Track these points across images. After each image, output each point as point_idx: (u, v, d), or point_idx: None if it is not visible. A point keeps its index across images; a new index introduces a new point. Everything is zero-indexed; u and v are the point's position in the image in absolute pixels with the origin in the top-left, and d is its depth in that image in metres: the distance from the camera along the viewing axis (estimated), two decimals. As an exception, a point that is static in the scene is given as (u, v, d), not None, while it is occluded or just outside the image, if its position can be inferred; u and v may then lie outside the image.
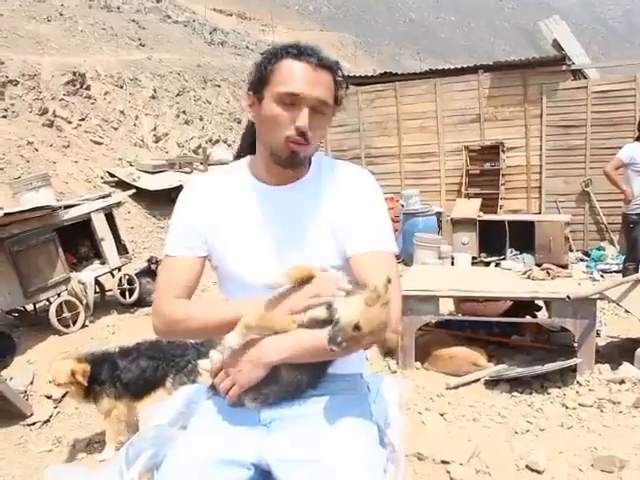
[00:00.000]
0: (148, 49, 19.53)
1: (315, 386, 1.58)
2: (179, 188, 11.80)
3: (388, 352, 4.28)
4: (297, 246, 1.61)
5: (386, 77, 11.10)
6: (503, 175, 10.10)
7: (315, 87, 1.54)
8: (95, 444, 3.72)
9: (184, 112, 16.81)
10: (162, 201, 11.36)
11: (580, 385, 3.98)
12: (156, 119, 15.49)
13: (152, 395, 3.55)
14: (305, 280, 1.50)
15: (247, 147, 1.78)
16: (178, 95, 17.28)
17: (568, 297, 4.02)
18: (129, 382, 3.47)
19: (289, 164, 1.58)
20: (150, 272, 6.86)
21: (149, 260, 7.08)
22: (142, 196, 10.95)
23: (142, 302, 6.55)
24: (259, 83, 1.59)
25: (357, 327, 1.33)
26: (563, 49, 9.77)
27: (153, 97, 16.12)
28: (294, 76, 1.53)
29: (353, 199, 1.65)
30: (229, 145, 17.47)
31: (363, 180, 1.70)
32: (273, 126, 1.55)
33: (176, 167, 12.45)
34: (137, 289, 6.50)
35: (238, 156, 1.81)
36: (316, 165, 1.71)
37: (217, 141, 17.18)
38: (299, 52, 1.55)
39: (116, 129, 13.92)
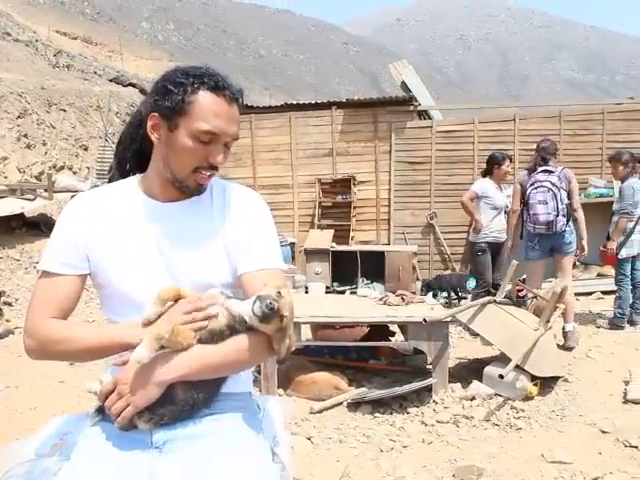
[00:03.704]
0: (-16, 66, 18.33)
1: (209, 405, 1.56)
2: (21, 216, 11.11)
3: (281, 361, 4.31)
4: (189, 263, 1.60)
5: (242, 109, 11.18)
6: (354, 207, 10.47)
7: (231, 124, 1.57)
8: None
9: (25, 136, 15.86)
10: (1, 229, 10.58)
11: (436, 403, 4.20)
12: (-6, 142, 14.50)
13: None
14: (175, 300, 1.51)
15: (124, 163, 1.77)
16: (19, 117, 16.29)
17: (425, 320, 4.25)
18: None
19: (195, 193, 1.63)
20: (-8, 303, 6.38)
21: (-10, 291, 6.58)
22: (-22, 223, 10.16)
23: (-14, 336, 6.05)
24: (172, 111, 1.54)
25: (279, 294, 1.40)
26: (410, 90, 10.40)
27: (-10, 118, 15.11)
28: (213, 114, 1.53)
29: (244, 218, 1.67)
30: (74, 172, 16.71)
31: (253, 200, 1.74)
32: (186, 158, 1.55)
33: (17, 193, 11.67)
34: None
35: (120, 172, 1.77)
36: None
37: (62, 167, 16.36)
38: (215, 85, 1.55)
39: (-52, 151, 12.86)
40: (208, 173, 1.58)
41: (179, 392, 1.47)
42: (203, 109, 1.53)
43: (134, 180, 1.70)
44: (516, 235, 6.10)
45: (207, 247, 1.62)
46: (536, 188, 5.56)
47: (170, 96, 1.53)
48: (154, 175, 1.65)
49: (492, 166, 6.57)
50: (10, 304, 7.63)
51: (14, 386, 4.77)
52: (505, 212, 6.62)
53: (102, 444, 1.50)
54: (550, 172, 5.59)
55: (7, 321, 6.69)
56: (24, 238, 10.78)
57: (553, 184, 5.51)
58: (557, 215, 5.48)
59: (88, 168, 17.37)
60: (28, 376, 4.96)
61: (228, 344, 1.47)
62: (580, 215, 5.73)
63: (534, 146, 5.90)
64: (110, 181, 1.77)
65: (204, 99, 1.53)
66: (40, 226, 11.43)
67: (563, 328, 5.60)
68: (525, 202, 5.69)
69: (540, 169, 5.65)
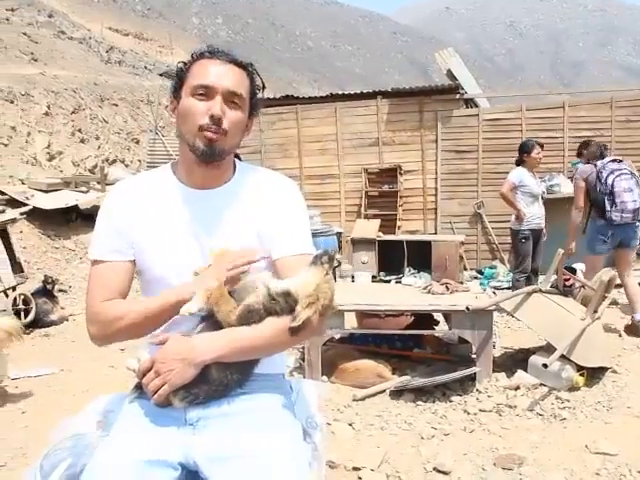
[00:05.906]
0: (41, 64, 18.88)
1: (242, 385, 1.60)
2: (75, 208, 11.43)
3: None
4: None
5: (288, 100, 11.25)
6: (401, 197, 10.44)
7: (225, 78, 1.61)
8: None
9: (80, 130, 16.30)
10: (57, 221, 10.92)
11: (479, 392, 4.18)
12: (50, 136, 14.91)
13: None
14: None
15: None
16: (73, 113, 16.75)
17: (467, 308, 4.22)
18: None
19: (207, 155, 1.60)
20: (46, 292, 6.61)
21: (44, 280, 6.80)
22: (35, 215, 10.48)
23: (38, 323, 6.28)
24: (177, 86, 1.65)
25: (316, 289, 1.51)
26: (457, 79, 10.29)
27: (47, 114, 15.54)
28: (206, 70, 1.61)
29: (277, 205, 1.71)
30: (127, 165, 17.09)
31: (286, 187, 1.77)
32: (188, 117, 1.60)
33: (72, 186, 12.03)
34: (33, 309, 6.22)
35: None
36: (240, 171, 1.76)
37: (114, 161, 16.77)
38: (212, 53, 1.64)
39: (6, 145, 13.27)
40: (212, 128, 1.58)
41: (214, 372, 1.51)
42: (197, 70, 1.62)
43: (168, 167, 1.76)
44: (578, 234, 5.93)
45: (240, 233, 1.67)
46: (619, 176, 5.39)
47: (176, 76, 1.66)
48: (181, 159, 1.71)
49: (522, 154, 6.55)
50: (65, 291, 7.91)
51: (68, 370, 4.96)
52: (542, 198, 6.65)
53: (138, 421, 1.56)
54: (619, 161, 5.48)
55: (62, 308, 6.92)
56: (78, 229, 11.11)
57: (631, 172, 5.41)
58: None
59: (139, 161, 17.75)
60: (81, 360, 5.14)
61: (265, 326, 1.51)
62: None
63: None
64: None
65: (198, 63, 1.64)
66: (93, 217, 11.72)
67: (632, 318, 5.60)
68: (604, 192, 5.44)
69: (609, 158, 5.54)
